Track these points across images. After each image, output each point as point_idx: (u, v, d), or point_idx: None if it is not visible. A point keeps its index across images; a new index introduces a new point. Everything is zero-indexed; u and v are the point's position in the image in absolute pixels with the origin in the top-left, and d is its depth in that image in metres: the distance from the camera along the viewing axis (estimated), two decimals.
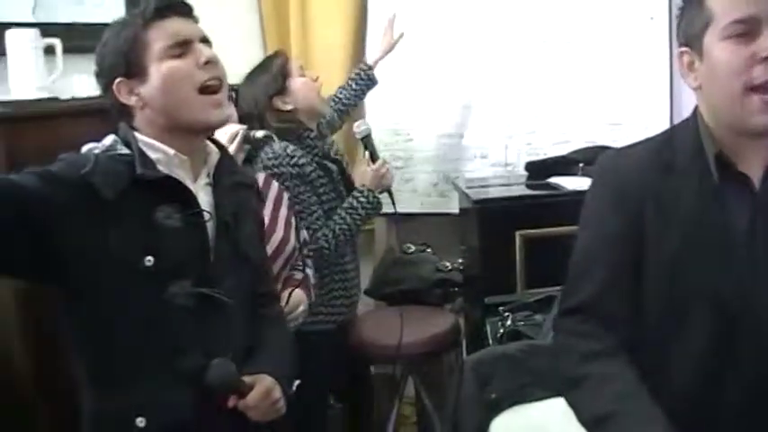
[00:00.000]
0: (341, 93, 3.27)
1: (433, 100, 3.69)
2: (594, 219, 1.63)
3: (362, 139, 2.85)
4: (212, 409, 1.63)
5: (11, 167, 2.30)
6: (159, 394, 1.60)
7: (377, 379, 3.72)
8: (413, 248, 3.64)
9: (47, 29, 2.61)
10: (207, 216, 1.68)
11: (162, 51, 1.63)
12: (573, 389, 1.55)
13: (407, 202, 3.64)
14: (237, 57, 3.26)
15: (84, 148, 1.65)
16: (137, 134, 1.66)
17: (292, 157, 2.67)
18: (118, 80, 1.65)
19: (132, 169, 1.59)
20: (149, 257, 1.57)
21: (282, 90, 2.78)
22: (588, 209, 1.66)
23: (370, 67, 3.31)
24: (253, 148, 2.39)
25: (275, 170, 2.64)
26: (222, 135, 2.18)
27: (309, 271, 2.52)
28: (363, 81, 3.30)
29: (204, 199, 1.70)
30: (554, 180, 3.25)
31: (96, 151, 1.62)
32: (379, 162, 2.82)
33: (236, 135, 2.18)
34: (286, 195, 2.53)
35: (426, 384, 3.12)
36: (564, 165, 3.30)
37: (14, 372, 2.48)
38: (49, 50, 2.57)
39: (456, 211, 3.54)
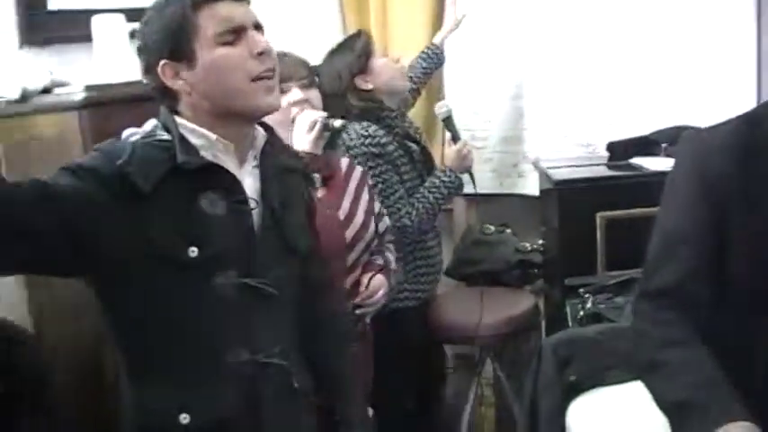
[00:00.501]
0: (410, 72, 3.26)
1: (513, 79, 3.65)
2: (677, 201, 1.59)
3: (444, 120, 2.86)
4: (258, 405, 1.58)
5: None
6: (203, 390, 1.53)
7: (455, 359, 3.73)
8: (492, 229, 3.62)
9: (131, 14, 2.67)
10: (253, 204, 1.59)
11: (213, 37, 1.52)
12: (651, 374, 1.52)
13: (487, 182, 3.63)
14: (316, 38, 3.29)
15: (124, 134, 1.58)
16: (178, 119, 1.57)
17: (374, 137, 2.71)
18: (163, 62, 1.54)
19: (172, 157, 1.51)
20: (193, 248, 1.49)
21: (365, 69, 2.81)
22: (671, 190, 1.62)
23: (438, 46, 3.30)
24: (332, 135, 2.43)
25: (357, 150, 2.69)
26: (302, 123, 2.21)
27: (391, 256, 2.54)
28: (432, 60, 3.31)
29: (250, 184, 1.61)
30: (636, 160, 3.19)
31: (136, 137, 1.55)
32: (460, 143, 2.82)
33: (316, 123, 2.21)
34: (369, 181, 2.55)
35: (505, 365, 3.11)
36: (646, 145, 3.24)
37: (103, 357, 2.58)
38: (134, 35, 2.62)
39: (536, 191, 3.52)
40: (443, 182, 2.79)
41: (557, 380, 2.09)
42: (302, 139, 2.21)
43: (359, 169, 2.53)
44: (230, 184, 1.56)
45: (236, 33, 1.54)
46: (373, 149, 2.70)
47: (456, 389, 3.74)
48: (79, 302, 2.58)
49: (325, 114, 2.24)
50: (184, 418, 1.51)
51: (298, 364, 1.68)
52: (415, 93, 3.28)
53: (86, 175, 1.44)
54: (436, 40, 3.35)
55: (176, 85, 1.55)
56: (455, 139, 2.84)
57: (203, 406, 1.52)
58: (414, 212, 2.75)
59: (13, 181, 1.35)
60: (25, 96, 2.65)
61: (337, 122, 2.28)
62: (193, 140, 1.56)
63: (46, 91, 2.62)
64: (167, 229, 1.49)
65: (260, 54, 1.54)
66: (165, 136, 1.54)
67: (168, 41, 1.53)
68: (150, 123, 1.59)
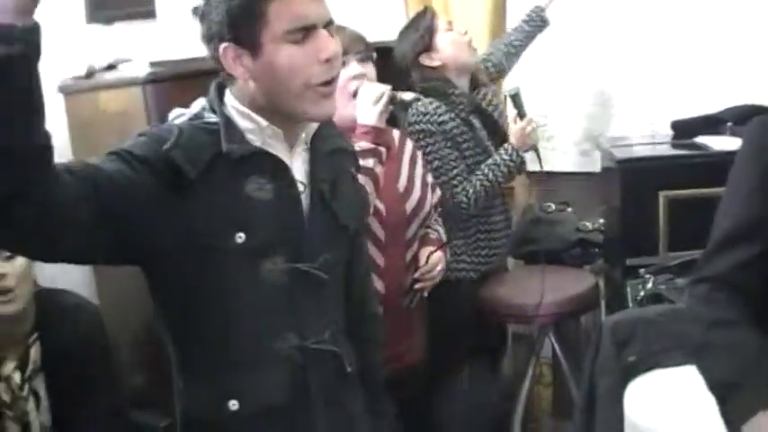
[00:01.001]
0: (512, 35, 3.24)
1: (578, 56, 3.60)
2: (737, 188, 1.56)
3: (511, 96, 2.84)
4: (307, 391, 1.57)
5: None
6: (252, 377, 1.52)
7: (514, 338, 3.71)
8: (552, 207, 3.59)
9: None
10: (301, 187, 1.56)
11: (282, 33, 1.44)
12: (701, 354, 1.52)
13: (548, 160, 3.58)
14: (378, 15, 3.29)
15: (172, 115, 1.56)
16: (230, 99, 1.54)
17: (432, 115, 2.73)
18: (225, 45, 1.47)
19: (219, 141, 1.47)
20: (240, 234, 1.46)
21: (429, 47, 2.82)
22: (733, 175, 1.58)
23: (543, 9, 3.25)
24: (398, 109, 2.43)
25: (417, 126, 2.72)
26: (367, 95, 2.21)
27: (441, 230, 2.55)
28: (535, 23, 3.25)
29: (299, 167, 1.58)
30: (700, 140, 3.12)
31: (183, 118, 1.52)
32: (525, 120, 2.81)
33: (382, 96, 2.20)
34: (420, 153, 2.56)
35: (563, 345, 3.09)
36: (711, 124, 3.17)
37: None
38: (197, 12, 2.65)
39: (598, 169, 3.47)
40: (504, 160, 2.77)
41: (615, 361, 2.08)
42: (367, 111, 2.18)
43: (410, 142, 2.55)
44: (278, 168, 1.52)
45: (305, 31, 1.46)
46: (431, 126, 2.72)
47: (513, 368, 3.74)
48: (143, 282, 2.66)
49: (389, 87, 2.24)
50: (233, 405, 1.51)
51: (348, 347, 1.67)
52: (514, 57, 3.23)
53: (137, 164, 1.41)
54: (541, 2, 3.29)
55: (236, 71, 1.49)
56: (521, 116, 2.83)
57: (252, 392, 1.51)
58: (471, 190, 2.75)
59: (63, 163, 1.33)
60: (91, 72, 2.70)
61: (407, 96, 2.28)
62: (241, 124, 1.52)
63: (111, 67, 2.67)
64: (213, 214, 1.46)
65: (326, 61, 1.48)
66: (213, 118, 1.51)
67: (234, 26, 1.45)
68: (198, 104, 1.56)
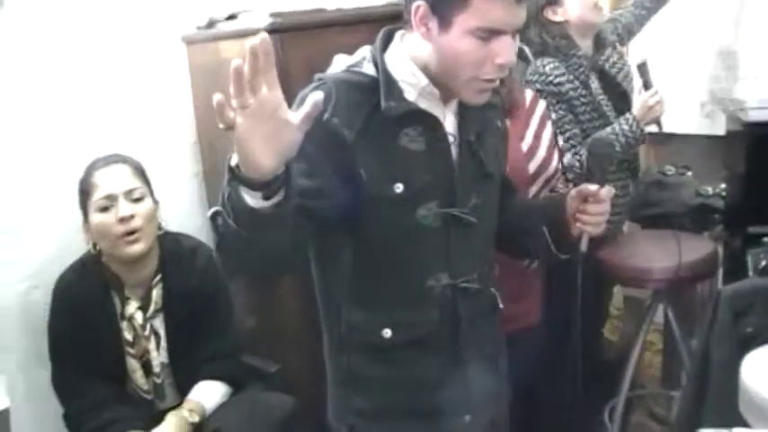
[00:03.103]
0: None
1: (702, 16, 3.45)
2: None
3: (639, 66, 2.74)
4: (456, 323, 1.71)
5: (284, 76, 2.45)
6: (406, 310, 1.67)
7: (626, 302, 3.65)
8: (673, 171, 3.48)
9: None
10: (451, 139, 1.65)
11: (474, 27, 1.49)
12: None
13: (670, 121, 3.47)
14: None
15: (335, 60, 1.67)
16: (396, 50, 1.62)
17: (550, 75, 2.69)
18: (419, 3, 1.53)
19: (375, 98, 1.56)
20: (398, 184, 1.57)
21: (555, 1, 2.75)
22: None
23: None
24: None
25: (533, 86, 2.67)
26: None
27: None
28: None
29: (450, 120, 1.67)
30: None
31: (343, 67, 1.62)
32: (650, 91, 2.70)
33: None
34: (552, 115, 2.52)
35: (676, 312, 3.01)
36: None
37: (289, 312, 2.68)
38: None
39: (722, 133, 3.34)
40: (623, 130, 2.68)
41: (732, 331, 2.02)
42: None
43: (542, 103, 2.50)
44: (430, 123, 1.61)
45: (492, 33, 1.50)
46: (546, 87, 2.68)
47: (622, 332, 3.68)
48: None
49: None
50: (386, 333, 1.67)
51: (495, 285, 1.82)
52: (644, 20, 3.11)
53: (316, 159, 1.48)
54: None
55: (419, 29, 1.55)
56: (647, 86, 2.73)
57: (405, 323, 1.67)
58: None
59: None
60: (212, 22, 2.75)
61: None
62: (401, 77, 1.59)
63: (232, 17, 2.71)
64: (373, 167, 1.56)
65: (500, 66, 1.54)
66: (371, 71, 1.60)
67: None
68: (361, 53, 1.65)
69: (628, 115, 2.71)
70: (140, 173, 2.40)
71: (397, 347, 1.68)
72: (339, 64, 1.66)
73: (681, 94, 3.54)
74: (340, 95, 1.54)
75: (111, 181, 2.33)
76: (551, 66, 2.70)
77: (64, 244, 2.52)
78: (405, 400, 1.73)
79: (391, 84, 1.58)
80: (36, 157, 2.57)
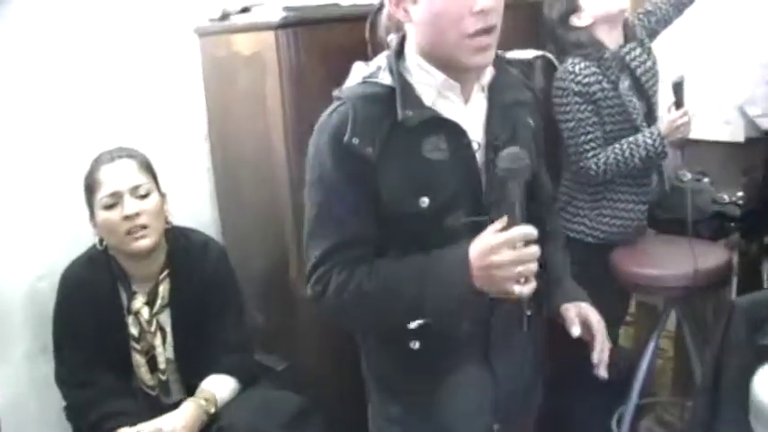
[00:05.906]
0: None
1: (720, 20, 3.40)
2: None
3: (674, 84, 2.68)
4: (487, 330, 1.69)
5: (297, 70, 2.43)
6: (431, 323, 1.62)
7: (638, 308, 3.61)
8: (688, 176, 3.43)
9: None
10: (476, 146, 1.61)
11: None
12: None
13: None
14: None
15: (354, 67, 1.65)
16: (409, 53, 1.59)
17: (579, 75, 2.69)
18: None
19: (393, 109, 1.54)
20: (424, 198, 1.55)
21: (574, 8, 2.75)
22: None
23: None
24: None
25: (561, 83, 2.71)
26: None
27: None
28: None
29: (475, 120, 1.63)
30: None
31: (358, 81, 1.61)
32: (680, 111, 2.66)
33: None
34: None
35: (689, 320, 2.97)
36: None
37: (300, 310, 2.68)
38: None
39: (741, 139, 3.30)
40: (646, 143, 2.65)
41: (746, 342, 1.99)
42: None
43: None
44: (453, 130, 1.58)
45: None
46: (575, 87, 2.68)
47: (634, 338, 3.64)
48: (266, 223, 2.70)
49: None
50: (415, 344, 1.66)
51: None
52: (679, 10, 2.99)
53: (352, 186, 1.54)
54: None
55: (398, 13, 1.55)
56: (678, 105, 2.68)
57: (433, 335, 1.64)
58: (603, 159, 2.68)
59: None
60: (225, 15, 2.73)
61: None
62: (417, 80, 1.57)
63: (245, 10, 2.69)
64: (396, 183, 1.55)
65: (479, 12, 1.47)
66: (387, 80, 1.57)
67: None
68: (376, 62, 1.63)
69: (654, 129, 2.69)
70: (146, 167, 2.37)
71: (427, 356, 1.66)
72: (356, 74, 1.64)
73: (701, 98, 3.50)
74: (357, 112, 1.53)
75: (117, 178, 2.30)
76: (581, 66, 2.70)
77: (71, 235, 2.51)
78: (435, 409, 1.72)
79: (408, 90, 1.56)
80: (45, 149, 2.56)
